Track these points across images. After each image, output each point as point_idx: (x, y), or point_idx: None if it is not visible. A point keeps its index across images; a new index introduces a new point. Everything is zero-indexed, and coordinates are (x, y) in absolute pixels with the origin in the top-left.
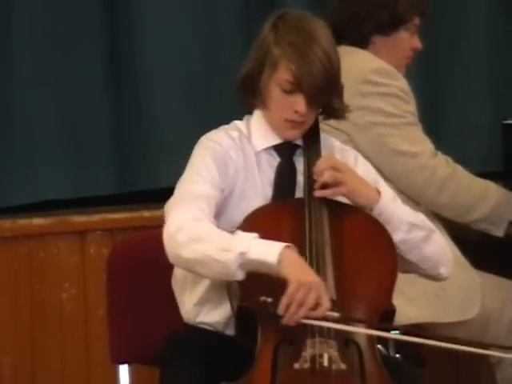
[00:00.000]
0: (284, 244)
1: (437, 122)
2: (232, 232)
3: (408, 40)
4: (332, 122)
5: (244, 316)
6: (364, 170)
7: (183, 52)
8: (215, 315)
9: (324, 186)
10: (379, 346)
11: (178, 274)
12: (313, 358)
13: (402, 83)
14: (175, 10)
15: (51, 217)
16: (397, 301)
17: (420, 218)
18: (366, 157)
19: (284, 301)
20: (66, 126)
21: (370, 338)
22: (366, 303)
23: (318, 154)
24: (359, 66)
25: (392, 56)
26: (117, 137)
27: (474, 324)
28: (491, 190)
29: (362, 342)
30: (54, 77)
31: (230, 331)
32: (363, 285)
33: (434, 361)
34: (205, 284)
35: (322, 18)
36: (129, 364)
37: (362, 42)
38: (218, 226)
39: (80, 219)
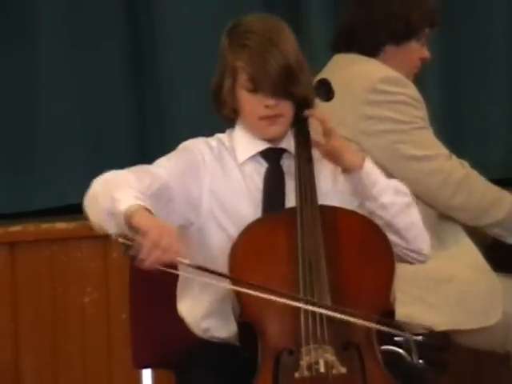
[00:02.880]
0: (141, 203)
1: (457, 127)
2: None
3: (418, 50)
4: (341, 131)
5: (245, 330)
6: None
7: (206, 54)
8: (224, 331)
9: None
10: (401, 351)
11: (179, 280)
12: (309, 366)
13: (410, 90)
14: (198, 12)
15: (74, 221)
16: (417, 308)
17: (404, 187)
18: (380, 166)
19: (138, 241)
20: (89, 130)
21: (370, 339)
22: (364, 305)
23: (308, 158)
24: (367, 74)
25: (401, 66)
26: (139, 141)
27: (496, 330)
28: (506, 196)
29: (362, 344)
30: (77, 81)
31: None
32: (360, 286)
33: (455, 368)
34: (208, 297)
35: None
36: (151, 369)
37: (373, 51)
38: (212, 239)
39: None
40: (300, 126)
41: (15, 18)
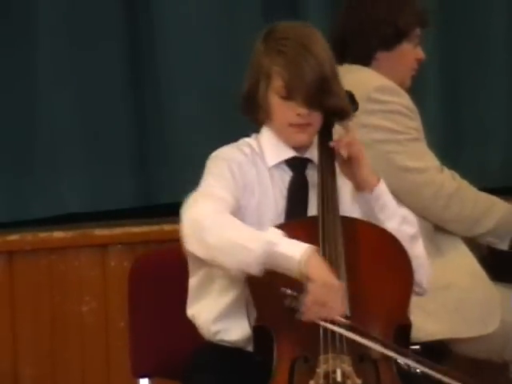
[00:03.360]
0: (309, 245)
1: (456, 134)
2: None
3: (411, 52)
4: None
5: (261, 334)
6: None
7: (205, 59)
8: (235, 334)
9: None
10: (401, 362)
11: (193, 284)
12: (326, 374)
13: (405, 100)
14: (197, 16)
15: (72, 230)
16: (416, 316)
17: (412, 218)
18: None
19: (308, 297)
20: (87, 139)
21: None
22: (381, 318)
23: (332, 168)
24: (362, 84)
25: (397, 70)
26: (139, 150)
27: (494, 339)
28: (496, 204)
29: (378, 357)
30: (76, 85)
31: (251, 348)
32: (378, 300)
33: None
34: (227, 299)
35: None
36: (150, 378)
37: (366, 59)
38: None
39: (101, 232)
40: (325, 136)
41: (14, 18)
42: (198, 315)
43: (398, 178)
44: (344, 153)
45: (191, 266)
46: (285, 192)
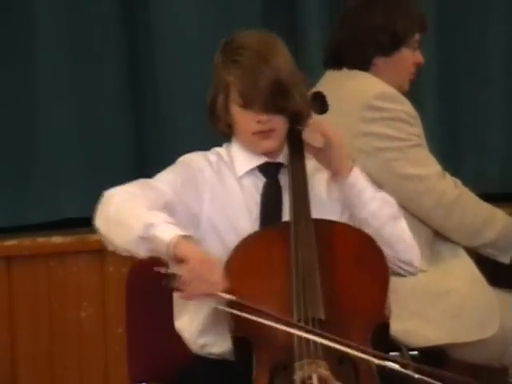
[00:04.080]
0: (181, 232)
1: (454, 141)
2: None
3: (410, 57)
4: None
5: (240, 344)
6: None
7: (205, 67)
8: (221, 346)
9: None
10: (397, 367)
11: (175, 297)
12: (303, 381)
13: (405, 106)
14: (195, 23)
15: (70, 235)
16: (415, 322)
17: (391, 199)
18: (375, 182)
19: (185, 274)
20: (85, 145)
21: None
22: (359, 319)
23: (302, 172)
24: (362, 91)
25: (395, 75)
26: (137, 156)
27: (493, 344)
28: (498, 215)
29: (357, 358)
30: (74, 94)
31: None
32: (355, 301)
33: (452, 381)
34: (205, 311)
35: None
36: (147, 383)
37: (364, 65)
38: (212, 250)
39: (99, 238)
40: (293, 139)
41: (13, 31)
42: (183, 329)
43: (399, 186)
44: (319, 138)
45: None
46: (258, 198)
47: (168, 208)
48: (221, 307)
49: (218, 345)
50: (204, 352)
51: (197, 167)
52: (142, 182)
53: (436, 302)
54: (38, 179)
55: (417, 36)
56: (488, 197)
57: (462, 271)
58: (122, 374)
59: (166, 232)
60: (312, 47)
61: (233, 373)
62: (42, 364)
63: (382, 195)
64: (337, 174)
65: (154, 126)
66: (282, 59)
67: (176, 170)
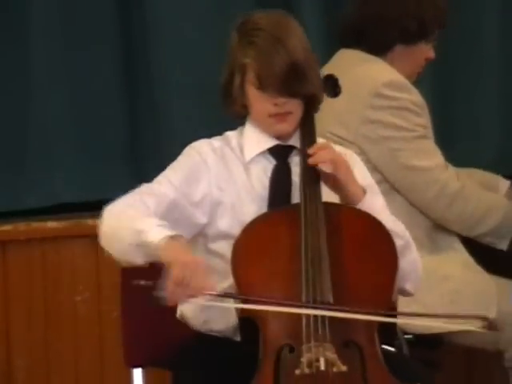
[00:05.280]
0: (169, 232)
1: (449, 127)
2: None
3: (425, 51)
4: (343, 133)
5: (247, 325)
6: (362, 173)
7: (199, 57)
8: (222, 323)
9: (318, 173)
10: (392, 349)
11: None
12: (310, 363)
13: (414, 96)
14: (190, 17)
15: (65, 220)
16: (413, 308)
17: (401, 227)
18: (378, 170)
19: (168, 281)
20: (80, 129)
21: (372, 338)
22: (366, 303)
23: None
24: (372, 78)
25: (407, 65)
26: (132, 140)
27: None
28: (498, 203)
29: (363, 342)
30: (69, 80)
31: (239, 337)
32: (363, 284)
33: (448, 366)
34: None
35: (338, 20)
36: (143, 367)
37: (383, 48)
38: (216, 237)
39: (94, 222)
40: (306, 123)
41: (7, 19)
42: (185, 306)
43: (402, 176)
44: (327, 169)
45: None
46: (267, 181)
47: (172, 212)
48: (218, 304)
49: (220, 321)
50: (205, 328)
51: (199, 156)
52: (141, 189)
53: (433, 288)
54: (33, 164)
55: (436, 31)
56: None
57: (460, 259)
58: (118, 358)
59: (156, 235)
60: (308, 31)
61: (236, 352)
62: (37, 348)
63: (391, 225)
64: (347, 202)
65: (148, 111)
66: (298, 40)
67: (179, 165)
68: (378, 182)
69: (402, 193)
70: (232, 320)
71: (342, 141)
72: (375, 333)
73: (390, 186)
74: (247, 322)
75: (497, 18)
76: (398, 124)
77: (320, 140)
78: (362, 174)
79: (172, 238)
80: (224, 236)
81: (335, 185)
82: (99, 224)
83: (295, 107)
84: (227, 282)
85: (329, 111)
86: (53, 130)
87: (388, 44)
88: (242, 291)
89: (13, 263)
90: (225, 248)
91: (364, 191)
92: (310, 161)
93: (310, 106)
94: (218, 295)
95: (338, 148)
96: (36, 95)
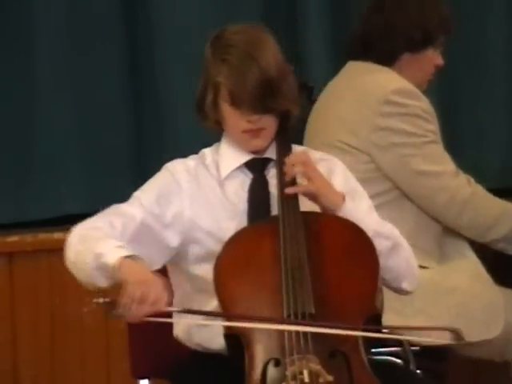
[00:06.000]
0: (126, 253)
1: (455, 137)
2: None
3: (433, 58)
4: (353, 142)
5: (232, 341)
6: (342, 178)
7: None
8: (216, 344)
9: (294, 184)
10: (399, 361)
11: None
12: (294, 376)
13: (423, 103)
14: (195, 17)
15: None
16: (419, 320)
17: (388, 228)
18: (388, 177)
19: (123, 300)
20: (86, 140)
21: (357, 347)
22: (349, 312)
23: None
24: (381, 86)
25: (417, 73)
26: (137, 151)
27: (496, 340)
28: (509, 210)
29: (349, 352)
30: (74, 87)
31: None
32: (345, 292)
33: (455, 376)
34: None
35: (348, 30)
36: (149, 379)
37: (390, 58)
38: (196, 260)
39: None
40: (282, 134)
41: (12, 21)
42: (178, 330)
43: (413, 182)
44: (303, 183)
45: None
46: (245, 196)
47: (142, 233)
48: (196, 322)
49: (213, 342)
50: (200, 348)
51: (172, 177)
52: (109, 210)
53: (440, 300)
54: (39, 175)
55: (442, 38)
56: (488, 192)
57: (468, 269)
58: (124, 369)
59: (113, 256)
60: (314, 46)
61: (230, 367)
62: (43, 359)
63: (376, 227)
64: (327, 211)
65: (154, 121)
66: (271, 56)
67: (151, 185)
68: (389, 190)
69: (413, 200)
70: (222, 340)
71: (352, 149)
72: (359, 340)
73: (401, 194)
74: (232, 338)
75: (502, 27)
76: (408, 130)
77: (298, 149)
78: (342, 180)
79: (128, 257)
80: (204, 258)
81: (311, 197)
82: (64, 247)
83: (269, 123)
84: (215, 302)
85: (336, 119)
86: (59, 142)
87: (394, 53)
88: (225, 307)
89: (19, 274)
90: (207, 270)
91: (343, 198)
92: (286, 177)
93: (285, 119)
94: (180, 311)
95: (318, 155)
96: (42, 107)
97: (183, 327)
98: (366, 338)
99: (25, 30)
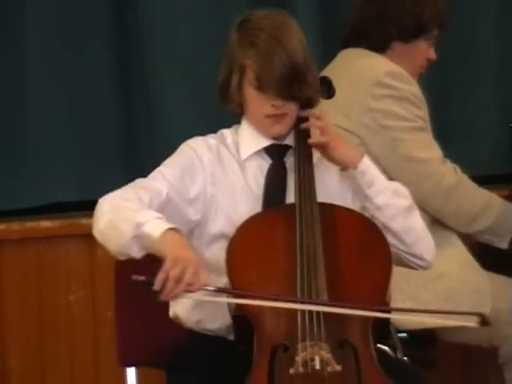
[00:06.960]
0: (169, 225)
1: (444, 125)
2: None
3: (425, 50)
4: (344, 124)
5: (241, 324)
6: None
7: (194, 57)
8: (216, 322)
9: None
10: (386, 349)
11: None
12: (305, 362)
13: (414, 88)
14: (185, 14)
15: (59, 219)
16: (407, 305)
17: (405, 190)
18: (378, 162)
19: (160, 277)
20: (75, 129)
21: (366, 338)
22: (361, 302)
23: (309, 153)
24: (373, 68)
25: (407, 64)
26: (126, 140)
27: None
28: (495, 201)
29: (357, 342)
30: (65, 81)
31: (233, 336)
32: (358, 284)
33: (443, 363)
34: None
35: (336, 19)
36: (136, 367)
37: (382, 46)
38: (210, 241)
39: (88, 222)
40: (300, 123)
41: (3, 20)
42: (177, 306)
43: (401, 167)
44: (318, 138)
45: None
46: (262, 180)
47: (165, 207)
48: (210, 299)
49: (214, 320)
50: (199, 327)
51: (194, 154)
52: (135, 183)
53: (429, 285)
54: (27, 164)
55: (436, 31)
56: (476, 180)
57: (456, 256)
58: (112, 357)
59: (155, 228)
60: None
61: (229, 352)
62: (31, 347)
63: (395, 186)
64: (345, 167)
65: (143, 111)
66: (298, 42)
67: (175, 162)
68: None
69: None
70: (226, 319)
71: (343, 131)
72: (369, 332)
73: (389, 179)
74: (241, 320)
75: (492, 18)
76: (399, 113)
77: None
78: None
79: (172, 230)
80: (218, 238)
81: (323, 150)
82: (94, 216)
83: (292, 109)
84: (224, 279)
85: (332, 104)
86: (47, 130)
87: (387, 41)
88: (236, 290)
89: (7, 263)
90: (217, 251)
91: (361, 155)
92: (303, 125)
93: (305, 108)
94: (213, 290)
95: None
96: (32, 96)
97: (186, 304)
98: (374, 328)
99: (15, 27)
